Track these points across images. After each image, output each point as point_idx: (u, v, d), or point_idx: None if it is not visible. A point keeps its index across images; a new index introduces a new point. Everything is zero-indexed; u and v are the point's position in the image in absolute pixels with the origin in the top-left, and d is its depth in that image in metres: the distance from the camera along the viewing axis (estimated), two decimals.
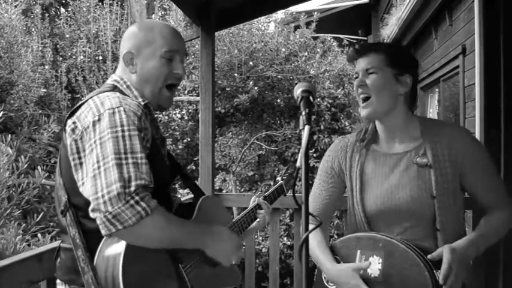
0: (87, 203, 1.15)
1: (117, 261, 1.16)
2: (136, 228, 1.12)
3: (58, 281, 1.33)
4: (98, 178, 1.13)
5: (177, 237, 1.24)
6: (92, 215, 1.13)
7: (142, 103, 1.34)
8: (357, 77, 1.52)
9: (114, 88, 1.35)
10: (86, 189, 1.16)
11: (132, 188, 1.12)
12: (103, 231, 1.12)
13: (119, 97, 1.26)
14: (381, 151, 1.57)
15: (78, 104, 1.31)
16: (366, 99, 1.49)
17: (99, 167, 1.14)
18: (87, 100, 1.29)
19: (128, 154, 1.15)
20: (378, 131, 1.59)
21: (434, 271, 1.32)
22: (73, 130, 1.24)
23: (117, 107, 1.21)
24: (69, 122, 1.26)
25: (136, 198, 1.12)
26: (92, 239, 1.21)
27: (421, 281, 1.32)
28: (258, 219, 1.67)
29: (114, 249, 1.19)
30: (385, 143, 1.58)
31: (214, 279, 1.45)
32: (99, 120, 1.19)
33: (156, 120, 1.41)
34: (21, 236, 3.31)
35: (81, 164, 1.21)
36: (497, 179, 1.52)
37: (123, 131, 1.18)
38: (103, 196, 1.11)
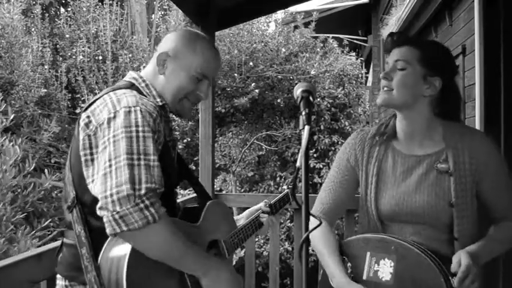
0: (95, 200, 1.14)
1: (122, 264, 1.15)
2: (140, 233, 1.11)
3: (58, 276, 1.31)
4: (109, 177, 1.11)
5: (178, 253, 1.20)
6: (99, 212, 1.12)
7: (160, 103, 1.33)
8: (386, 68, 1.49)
9: (132, 86, 1.33)
10: (96, 187, 1.15)
11: (143, 191, 1.10)
12: (108, 230, 1.11)
13: (135, 96, 1.24)
14: (400, 150, 1.54)
15: (93, 99, 1.28)
16: (387, 89, 1.46)
17: (110, 166, 1.13)
18: (102, 95, 1.27)
19: (141, 155, 1.14)
20: (398, 129, 1.55)
21: (450, 277, 1.30)
22: (87, 125, 1.22)
23: (134, 106, 1.19)
24: (83, 115, 1.25)
25: (147, 202, 1.10)
26: (96, 237, 1.20)
27: (436, 287, 1.29)
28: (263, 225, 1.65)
29: (119, 251, 1.17)
30: (405, 143, 1.54)
31: None
32: (114, 117, 1.18)
33: (170, 122, 1.40)
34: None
35: (92, 160, 1.20)
36: (510, 190, 1.49)
37: (137, 131, 1.16)
38: (112, 195, 1.10)
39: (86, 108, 1.27)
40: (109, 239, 1.19)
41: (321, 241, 1.54)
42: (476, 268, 1.31)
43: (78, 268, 1.21)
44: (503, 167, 1.49)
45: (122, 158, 1.12)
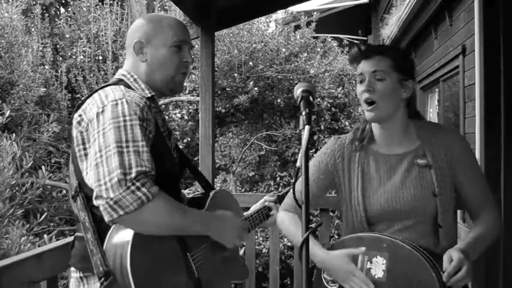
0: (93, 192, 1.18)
1: (125, 250, 1.17)
2: (137, 214, 1.14)
3: (72, 268, 1.35)
4: (100, 166, 1.16)
5: (180, 223, 1.25)
6: (95, 202, 1.15)
7: (149, 95, 1.38)
8: (362, 80, 1.52)
9: (120, 81, 1.39)
10: (90, 178, 1.20)
11: (133, 175, 1.14)
12: (106, 218, 1.14)
13: (122, 90, 1.30)
14: (381, 152, 1.60)
15: (84, 98, 1.35)
16: (371, 103, 1.50)
17: (101, 156, 1.17)
18: (92, 94, 1.33)
19: (130, 142, 1.18)
20: (375, 134, 1.61)
21: (441, 273, 1.32)
22: (79, 122, 1.28)
23: (120, 99, 1.25)
24: (76, 115, 1.31)
25: (137, 184, 1.14)
26: (102, 227, 1.23)
27: (428, 283, 1.32)
28: (271, 215, 1.71)
29: (122, 237, 1.20)
30: (384, 145, 1.60)
31: (221, 272, 1.47)
32: (102, 111, 1.23)
33: (162, 113, 1.45)
34: (26, 237, 3.30)
35: (86, 155, 1.25)
36: (484, 181, 1.59)
37: (124, 121, 1.21)
38: (105, 183, 1.13)
39: (78, 108, 1.33)
40: (113, 227, 1.22)
41: (292, 224, 1.61)
42: (469, 263, 1.33)
43: (90, 258, 1.24)
44: (475, 159, 1.59)
45: (111, 147, 1.17)
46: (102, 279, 1.18)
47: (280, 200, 1.73)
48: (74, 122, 1.30)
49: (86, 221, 1.25)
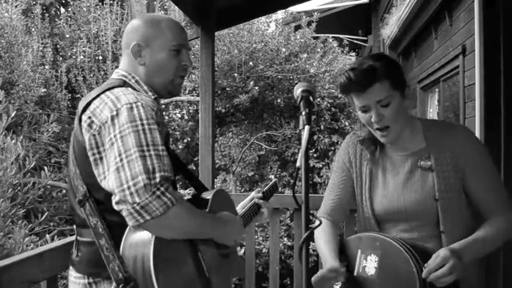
0: (108, 196, 1.17)
1: (148, 251, 1.17)
2: (163, 219, 1.14)
3: (76, 274, 1.32)
4: (122, 170, 1.15)
5: (198, 227, 1.28)
6: (116, 207, 1.15)
7: (153, 97, 1.37)
8: (365, 110, 1.47)
9: (124, 83, 1.36)
10: (110, 183, 1.18)
11: (157, 179, 1.14)
12: (131, 223, 1.14)
13: (133, 93, 1.28)
14: (387, 152, 1.60)
15: (89, 99, 1.30)
16: (385, 128, 1.48)
17: (121, 160, 1.16)
18: (98, 95, 1.29)
19: (150, 147, 1.18)
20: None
21: (424, 268, 1.33)
22: (90, 125, 1.25)
23: (135, 102, 1.23)
24: (84, 117, 1.27)
25: (162, 189, 1.14)
26: (114, 232, 1.22)
27: (409, 278, 1.34)
28: (262, 212, 1.78)
29: (141, 238, 1.20)
30: (389, 146, 1.59)
31: (224, 269, 1.50)
32: (117, 115, 1.21)
33: (163, 114, 1.45)
34: (29, 237, 3.30)
35: (101, 158, 1.23)
36: (498, 183, 1.51)
37: (143, 124, 1.20)
38: (129, 188, 1.13)
39: (84, 109, 1.29)
40: (127, 230, 1.22)
41: (320, 235, 1.60)
42: (455, 261, 1.30)
43: (99, 264, 1.22)
44: (487, 160, 1.50)
45: (132, 151, 1.16)
46: (121, 285, 1.18)
47: (265, 196, 1.79)
48: (84, 125, 1.26)
49: (98, 227, 1.23)
